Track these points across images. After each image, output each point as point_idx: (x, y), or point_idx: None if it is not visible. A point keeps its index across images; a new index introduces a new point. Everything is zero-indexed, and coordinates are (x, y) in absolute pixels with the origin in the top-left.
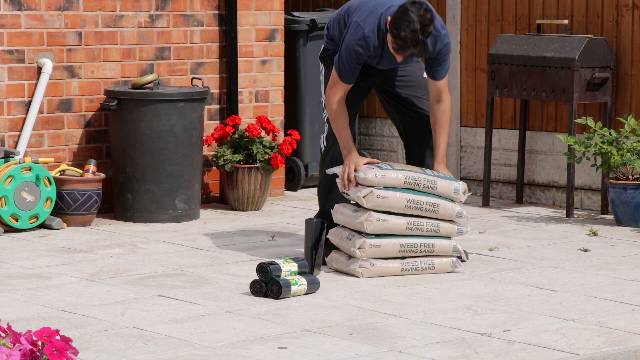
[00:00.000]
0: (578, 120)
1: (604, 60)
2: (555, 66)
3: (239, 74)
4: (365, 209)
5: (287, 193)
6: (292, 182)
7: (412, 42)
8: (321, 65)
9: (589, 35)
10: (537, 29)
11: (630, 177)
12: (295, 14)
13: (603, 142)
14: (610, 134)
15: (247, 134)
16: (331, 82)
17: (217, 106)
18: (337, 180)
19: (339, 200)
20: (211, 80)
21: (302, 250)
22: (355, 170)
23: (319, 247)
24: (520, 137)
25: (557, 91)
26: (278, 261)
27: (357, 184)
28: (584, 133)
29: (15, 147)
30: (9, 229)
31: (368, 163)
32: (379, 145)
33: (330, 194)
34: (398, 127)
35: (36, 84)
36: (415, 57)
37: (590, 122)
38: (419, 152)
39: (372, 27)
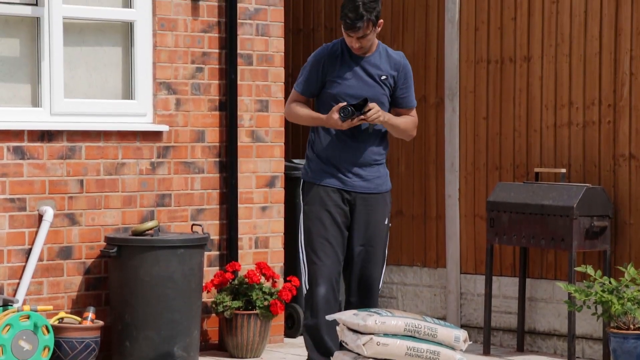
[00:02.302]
0: (578, 269)
1: (602, 208)
2: (554, 214)
3: (239, 220)
4: (365, 357)
5: (287, 340)
6: (292, 329)
7: (352, 10)
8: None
9: (587, 184)
10: (535, 177)
11: (632, 326)
12: (295, 160)
13: (603, 291)
14: (610, 282)
15: (246, 280)
16: (287, 102)
17: (217, 252)
18: (337, 327)
19: (327, 346)
20: (211, 227)
21: None
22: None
23: None
24: (520, 284)
25: (556, 239)
26: None
27: (355, 332)
28: (584, 281)
29: (14, 295)
30: None
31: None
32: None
33: (318, 340)
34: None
35: (37, 232)
36: (364, 36)
37: (590, 270)
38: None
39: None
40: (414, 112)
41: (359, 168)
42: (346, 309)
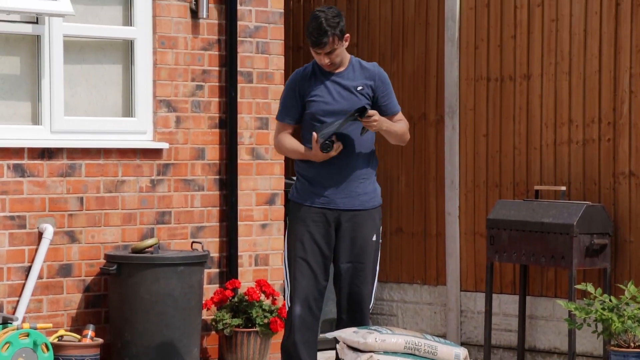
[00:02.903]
0: (578, 286)
1: (603, 226)
2: (554, 232)
3: (239, 238)
4: None
5: None
6: None
7: (316, 28)
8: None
9: (587, 202)
10: (535, 195)
11: (632, 344)
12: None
13: (604, 309)
14: (610, 300)
15: (246, 297)
16: (274, 135)
17: (217, 270)
18: (337, 345)
19: None
20: (211, 244)
21: None
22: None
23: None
24: (521, 302)
25: (556, 257)
26: None
27: (356, 348)
28: (584, 299)
29: (13, 313)
30: None
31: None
32: (378, 309)
33: (294, 358)
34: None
35: (36, 249)
36: (331, 51)
37: (590, 288)
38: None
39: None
40: (401, 116)
41: (345, 184)
42: (337, 326)
